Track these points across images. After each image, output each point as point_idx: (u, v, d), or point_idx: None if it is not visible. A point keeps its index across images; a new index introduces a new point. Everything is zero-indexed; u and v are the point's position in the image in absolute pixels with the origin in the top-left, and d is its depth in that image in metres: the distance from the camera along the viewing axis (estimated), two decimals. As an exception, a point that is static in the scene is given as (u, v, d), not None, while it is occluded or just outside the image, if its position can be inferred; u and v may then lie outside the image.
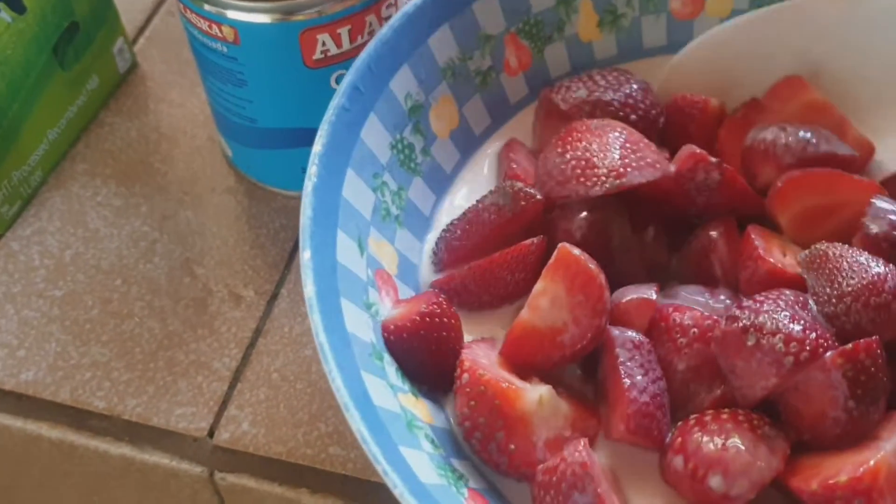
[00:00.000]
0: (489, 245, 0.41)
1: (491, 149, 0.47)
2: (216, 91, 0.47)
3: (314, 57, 0.44)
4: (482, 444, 0.37)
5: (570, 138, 0.42)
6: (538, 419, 0.36)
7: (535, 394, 0.36)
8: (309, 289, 0.35)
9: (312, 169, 0.38)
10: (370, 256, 0.40)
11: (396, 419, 0.35)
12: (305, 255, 0.36)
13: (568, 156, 0.41)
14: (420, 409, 0.38)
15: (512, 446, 0.36)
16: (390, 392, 0.36)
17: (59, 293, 0.48)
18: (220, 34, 0.43)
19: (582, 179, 0.40)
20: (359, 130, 0.41)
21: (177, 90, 0.56)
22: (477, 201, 0.42)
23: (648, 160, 0.41)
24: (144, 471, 0.44)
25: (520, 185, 0.41)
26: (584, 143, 0.41)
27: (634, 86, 0.45)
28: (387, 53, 0.42)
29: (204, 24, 0.44)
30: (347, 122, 0.40)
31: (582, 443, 0.35)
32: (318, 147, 0.39)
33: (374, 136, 0.42)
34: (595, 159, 0.40)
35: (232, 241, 0.50)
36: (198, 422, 0.44)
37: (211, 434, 0.44)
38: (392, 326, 0.38)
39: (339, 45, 0.44)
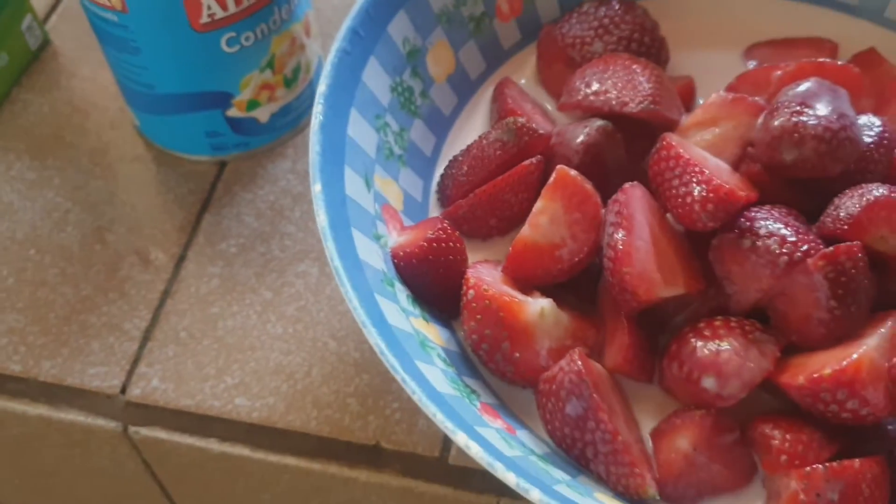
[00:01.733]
0: (493, 179, 0.43)
1: (487, 93, 0.50)
2: (115, 60, 0.48)
3: (201, 21, 0.45)
4: (489, 354, 0.39)
5: (611, 62, 0.45)
6: (541, 330, 0.39)
7: (536, 306, 0.39)
8: (322, 218, 0.38)
9: (318, 108, 0.40)
10: (377, 192, 0.42)
11: (410, 338, 0.37)
12: (316, 187, 0.38)
13: (608, 73, 0.45)
14: (431, 331, 0.40)
15: (517, 354, 0.39)
16: (403, 315, 0.39)
17: (-24, 265, 0.49)
18: (108, 3, 0.44)
19: (620, 96, 0.44)
20: (360, 73, 0.43)
21: (88, 65, 0.57)
22: (480, 137, 0.45)
23: (677, 103, 0.45)
24: (62, 429, 0.46)
25: (522, 120, 0.44)
26: (623, 67, 0.45)
27: (640, 21, 0.48)
28: None
29: (93, -5, 0.45)
30: (349, 64, 0.43)
31: (577, 352, 0.37)
32: (322, 87, 0.41)
33: (375, 78, 0.44)
34: (635, 82, 0.44)
35: (141, 208, 0.51)
36: (110, 380, 0.45)
37: (123, 391, 0.45)
38: (401, 252, 0.40)
39: (224, 8, 0.45)
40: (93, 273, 0.49)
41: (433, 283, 0.41)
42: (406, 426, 0.43)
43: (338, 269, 0.36)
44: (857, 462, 0.36)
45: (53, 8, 0.61)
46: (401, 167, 0.45)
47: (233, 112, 0.49)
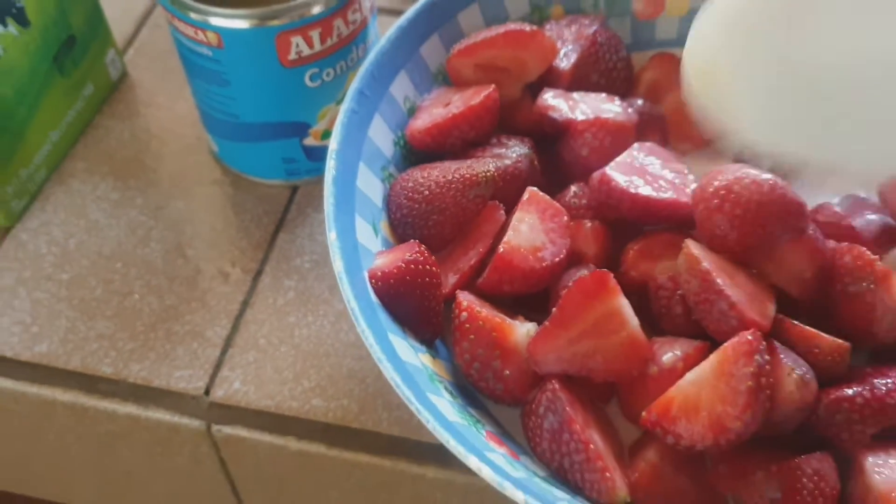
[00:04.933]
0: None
1: None
2: (202, 91, 0.53)
3: (289, 57, 0.50)
4: (480, 373, 0.42)
5: None
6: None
7: (524, 328, 0.42)
8: (338, 264, 0.42)
9: (331, 163, 0.45)
10: (383, 238, 0.46)
11: (420, 372, 0.41)
12: (332, 235, 0.42)
13: None
14: (438, 366, 0.43)
15: (507, 372, 0.42)
16: (412, 351, 0.42)
17: (66, 276, 0.53)
18: (205, 39, 0.49)
19: None
20: (367, 129, 0.48)
21: (164, 95, 0.62)
22: (449, 192, 0.45)
23: None
24: (149, 427, 0.50)
25: (493, 167, 0.46)
26: None
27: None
28: (386, 62, 0.50)
29: (190, 31, 0.49)
30: (357, 122, 0.47)
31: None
32: (333, 145, 0.45)
33: (380, 134, 0.49)
34: None
35: (219, 227, 0.55)
36: (195, 382, 0.49)
37: (207, 392, 0.49)
38: (379, 273, 0.43)
39: (311, 47, 0.50)
40: (176, 285, 0.53)
41: (410, 304, 0.43)
42: (470, 428, 0.47)
43: (354, 311, 0.40)
44: (795, 461, 0.39)
45: (130, 42, 0.65)
46: None
47: (309, 140, 0.54)
